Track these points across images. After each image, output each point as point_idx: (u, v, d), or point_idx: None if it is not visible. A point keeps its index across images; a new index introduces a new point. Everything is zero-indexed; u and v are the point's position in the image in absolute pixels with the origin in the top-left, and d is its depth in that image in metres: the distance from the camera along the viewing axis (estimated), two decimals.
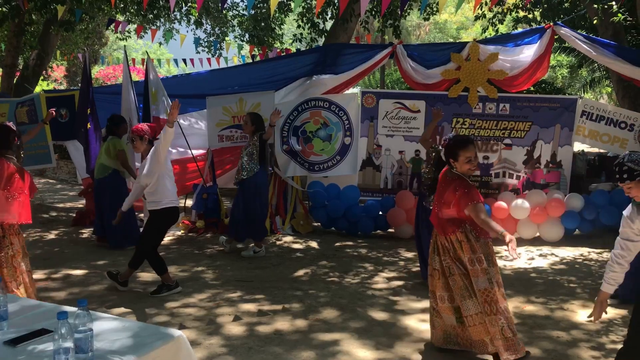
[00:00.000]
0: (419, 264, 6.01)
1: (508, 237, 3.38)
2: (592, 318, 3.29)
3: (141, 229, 7.73)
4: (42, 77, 16.33)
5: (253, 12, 13.33)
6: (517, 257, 3.42)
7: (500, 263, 6.51)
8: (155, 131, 5.17)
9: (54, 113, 7.04)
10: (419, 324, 4.46)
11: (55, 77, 23.26)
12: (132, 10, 13.29)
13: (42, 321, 2.46)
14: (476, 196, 3.60)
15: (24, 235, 4.25)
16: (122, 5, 12.69)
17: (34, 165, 9.02)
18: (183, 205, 8.89)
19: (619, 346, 4.01)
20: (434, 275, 3.82)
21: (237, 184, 6.74)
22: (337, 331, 4.30)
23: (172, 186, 5.16)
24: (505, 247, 7.21)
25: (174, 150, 8.25)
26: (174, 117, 4.72)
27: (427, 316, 4.23)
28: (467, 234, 3.66)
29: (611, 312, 4.77)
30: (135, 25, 12.88)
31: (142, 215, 7.95)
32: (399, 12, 10.69)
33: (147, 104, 7.40)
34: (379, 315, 4.69)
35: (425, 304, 4.71)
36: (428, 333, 4.09)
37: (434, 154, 5.27)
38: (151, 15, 13.49)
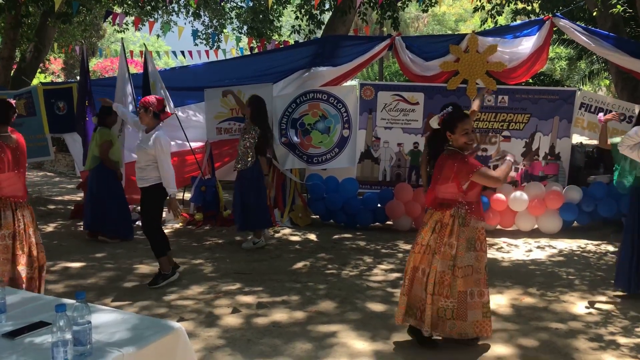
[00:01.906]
0: None
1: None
2: None
3: (138, 222, 7.77)
4: (39, 70, 16.25)
5: (251, 3, 13.27)
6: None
7: (498, 255, 6.52)
8: (162, 105, 5.16)
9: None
10: None
11: (53, 70, 23.17)
12: (129, 2, 13.21)
13: (40, 314, 2.46)
14: (475, 164, 3.66)
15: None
16: None
17: (32, 158, 8.94)
18: (182, 197, 8.89)
19: (617, 338, 4.04)
20: (422, 251, 3.78)
21: (235, 170, 6.75)
22: (335, 323, 4.31)
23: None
24: (503, 239, 7.21)
25: (172, 143, 8.22)
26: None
27: None
28: (454, 219, 3.70)
29: (609, 305, 4.79)
30: (133, 18, 12.80)
31: (139, 208, 7.94)
32: (398, 4, 10.65)
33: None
34: (377, 307, 4.70)
35: None
36: None
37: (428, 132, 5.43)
38: (149, 7, 13.42)
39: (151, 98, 5.17)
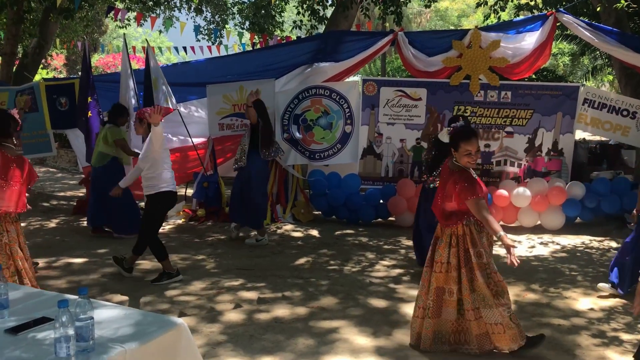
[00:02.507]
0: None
1: (508, 242, 3.42)
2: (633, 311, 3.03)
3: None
4: (41, 66, 16.24)
5: None
6: (517, 264, 3.39)
7: (501, 251, 6.48)
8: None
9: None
10: None
11: (55, 66, 23.17)
12: None
13: (43, 309, 2.46)
14: (477, 190, 3.52)
15: (24, 224, 4.24)
16: None
17: (34, 154, 9.00)
18: (184, 193, 8.89)
19: (620, 334, 4.04)
20: (443, 269, 3.62)
21: (235, 170, 6.76)
22: (337, 319, 4.31)
23: (169, 172, 5.17)
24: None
25: (174, 139, 8.24)
26: (156, 120, 4.81)
27: None
28: (470, 227, 3.61)
29: (612, 301, 4.78)
30: (135, 13, 12.78)
31: (142, 204, 7.95)
32: None
33: (149, 92, 7.37)
34: (379, 303, 4.69)
35: None
36: None
37: (433, 139, 5.30)
38: (151, 3, 13.40)
39: (147, 110, 5.20)
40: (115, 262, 5.41)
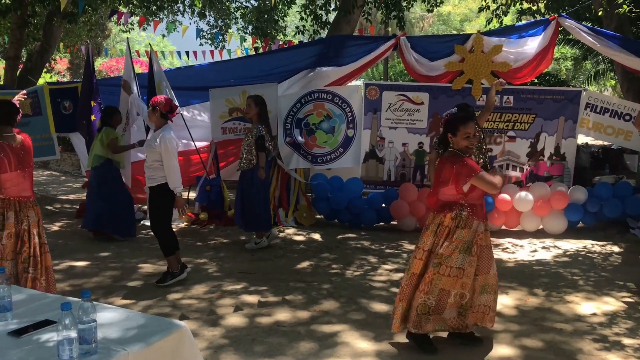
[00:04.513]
0: None
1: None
2: None
3: (143, 222, 7.79)
4: (45, 70, 16.30)
5: (256, 3, 13.28)
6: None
7: (503, 255, 6.51)
8: (170, 105, 5.21)
9: None
10: None
11: (59, 70, 23.26)
12: (135, 2, 13.25)
13: (46, 312, 2.47)
14: (475, 167, 3.61)
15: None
16: None
17: (38, 158, 8.96)
18: (187, 197, 8.90)
19: (622, 338, 4.03)
20: (424, 257, 3.74)
21: (240, 170, 6.76)
22: (338, 323, 4.31)
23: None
24: (508, 239, 7.19)
25: None
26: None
27: None
28: (456, 221, 3.67)
29: (615, 305, 4.78)
30: (138, 17, 12.84)
31: (145, 207, 7.97)
32: (403, 4, 10.63)
33: (153, 95, 7.38)
34: (381, 307, 4.70)
35: None
36: None
37: (435, 140, 5.32)
38: (154, 7, 13.45)
39: (160, 97, 5.28)
40: (163, 282, 5.18)
